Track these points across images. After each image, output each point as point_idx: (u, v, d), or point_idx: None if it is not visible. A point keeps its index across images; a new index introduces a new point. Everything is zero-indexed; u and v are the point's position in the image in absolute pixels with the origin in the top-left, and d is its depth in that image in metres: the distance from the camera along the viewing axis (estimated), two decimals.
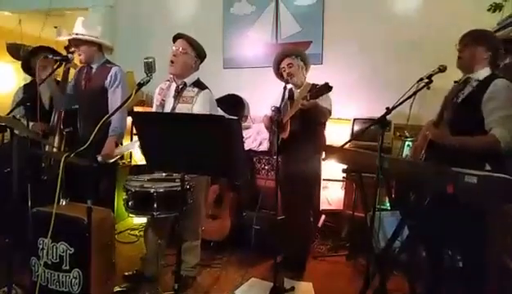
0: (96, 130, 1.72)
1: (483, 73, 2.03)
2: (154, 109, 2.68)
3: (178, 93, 2.49)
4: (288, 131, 2.80)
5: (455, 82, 2.16)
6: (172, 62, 2.45)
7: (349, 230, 3.38)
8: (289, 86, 2.89)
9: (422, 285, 2.27)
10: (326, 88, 2.50)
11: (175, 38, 2.53)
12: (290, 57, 2.90)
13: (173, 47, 2.49)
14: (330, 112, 2.83)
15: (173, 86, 2.55)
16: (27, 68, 3.06)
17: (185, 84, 2.50)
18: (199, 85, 2.52)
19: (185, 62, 2.46)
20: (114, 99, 2.64)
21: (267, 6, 4.16)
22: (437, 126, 2.04)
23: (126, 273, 2.56)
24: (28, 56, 3.03)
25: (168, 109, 2.50)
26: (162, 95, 2.58)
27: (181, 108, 2.43)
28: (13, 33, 5.29)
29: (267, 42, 4.19)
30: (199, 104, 2.43)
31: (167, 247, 2.68)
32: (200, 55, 2.55)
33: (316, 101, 2.62)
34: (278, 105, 2.59)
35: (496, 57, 2.08)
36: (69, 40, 2.67)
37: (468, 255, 2.05)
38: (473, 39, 2.07)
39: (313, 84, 2.85)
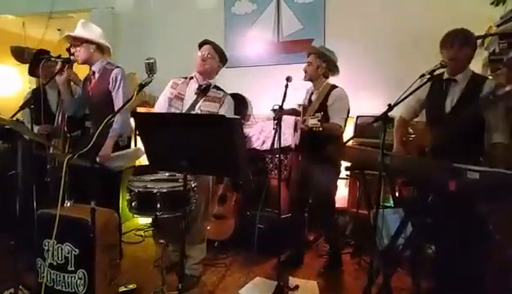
0: (97, 131, 1.74)
1: (469, 72, 2.12)
2: (161, 100, 2.71)
3: (202, 91, 2.58)
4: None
5: (422, 76, 1.97)
6: (203, 60, 2.57)
7: (353, 228, 3.37)
8: (310, 86, 2.94)
9: (428, 281, 2.26)
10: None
11: (201, 45, 2.65)
12: (313, 55, 2.86)
13: (200, 52, 2.61)
14: (341, 127, 2.71)
15: (194, 84, 2.62)
16: (33, 72, 3.09)
17: (209, 85, 2.61)
18: (221, 89, 2.66)
19: (211, 66, 2.61)
20: (117, 101, 2.65)
21: (268, 4, 4.16)
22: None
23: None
24: (33, 61, 3.05)
25: (187, 103, 2.58)
26: (177, 90, 2.65)
27: (208, 106, 2.53)
28: (17, 36, 5.34)
29: (268, 40, 4.19)
30: (227, 108, 2.57)
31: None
32: (223, 60, 2.70)
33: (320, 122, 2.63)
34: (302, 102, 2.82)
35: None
36: (70, 41, 2.67)
37: (469, 250, 2.04)
38: (465, 41, 2.08)
39: (332, 85, 2.82)
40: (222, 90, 2.65)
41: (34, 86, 3.17)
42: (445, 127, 2.05)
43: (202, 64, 2.57)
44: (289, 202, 3.10)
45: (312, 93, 2.93)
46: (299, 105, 2.83)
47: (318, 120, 2.60)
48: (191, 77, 2.67)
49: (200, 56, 2.59)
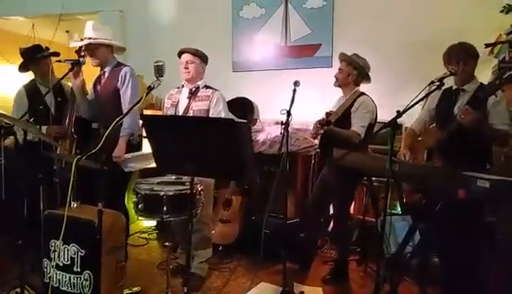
0: (106, 133, 1.74)
1: (477, 82, 2.21)
2: (164, 112, 2.81)
3: (192, 94, 2.68)
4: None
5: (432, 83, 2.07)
6: (186, 68, 2.67)
7: (360, 235, 3.34)
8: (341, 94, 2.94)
9: (435, 290, 2.24)
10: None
11: (179, 55, 2.72)
12: (344, 62, 2.84)
13: (182, 61, 2.68)
14: (359, 135, 2.65)
15: (185, 90, 2.72)
16: (25, 68, 3.05)
17: (198, 87, 2.69)
18: (211, 87, 2.72)
19: (194, 70, 2.68)
20: (125, 99, 2.68)
21: (276, 8, 4.16)
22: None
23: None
24: (26, 57, 3.02)
25: (181, 108, 2.68)
26: (172, 99, 2.76)
27: (199, 105, 2.64)
28: (27, 38, 5.38)
29: (276, 44, 4.19)
30: (216, 102, 2.64)
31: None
32: (204, 59, 2.76)
33: (332, 127, 2.68)
34: (329, 110, 2.86)
35: None
36: (83, 46, 2.69)
37: (477, 259, 2.02)
38: (470, 55, 2.17)
39: (361, 93, 2.81)
40: (211, 88, 2.72)
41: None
42: (451, 125, 2.10)
43: (186, 72, 2.67)
44: (307, 205, 3.12)
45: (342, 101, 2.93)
46: (327, 113, 2.86)
47: (319, 123, 2.72)
48: (183, 85, 2.76)
49: (182, 66, 2.69)
